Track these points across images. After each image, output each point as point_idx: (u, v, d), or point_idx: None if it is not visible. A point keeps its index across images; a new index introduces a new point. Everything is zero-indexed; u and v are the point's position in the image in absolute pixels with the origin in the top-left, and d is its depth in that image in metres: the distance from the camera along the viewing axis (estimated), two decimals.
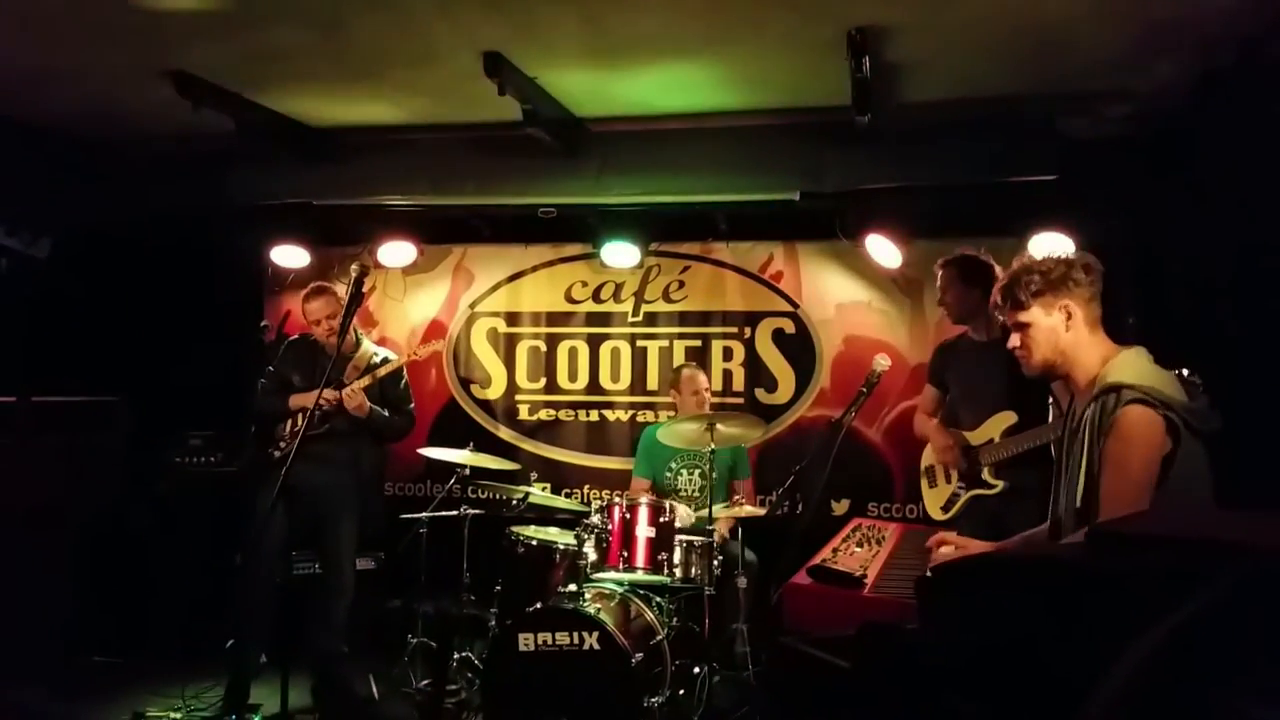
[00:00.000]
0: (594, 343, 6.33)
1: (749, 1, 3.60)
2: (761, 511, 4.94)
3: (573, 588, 4.35)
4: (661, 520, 4.48)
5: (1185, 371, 2.67)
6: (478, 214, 6.16)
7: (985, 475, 4.13)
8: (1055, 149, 4.69)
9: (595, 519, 4.53)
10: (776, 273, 6.08)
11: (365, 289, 4.01)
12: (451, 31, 3.92)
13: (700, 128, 5.03)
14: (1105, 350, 2.62)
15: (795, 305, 6.05)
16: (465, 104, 4.75)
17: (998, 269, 4.17)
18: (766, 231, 6.05)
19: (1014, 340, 2.73)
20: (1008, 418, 4.08)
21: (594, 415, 6.31)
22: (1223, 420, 2.51)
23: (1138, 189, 4.76)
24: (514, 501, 5.10)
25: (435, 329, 6.44)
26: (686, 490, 5.44)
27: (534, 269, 6.41)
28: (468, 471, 5.04)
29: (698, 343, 6.19)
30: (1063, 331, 2.63)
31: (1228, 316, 4.26)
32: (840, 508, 5.76)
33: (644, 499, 4.57)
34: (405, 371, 5.10)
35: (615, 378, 6.30)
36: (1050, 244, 4.75)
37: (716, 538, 4.61)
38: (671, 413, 5.71)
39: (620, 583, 4.52)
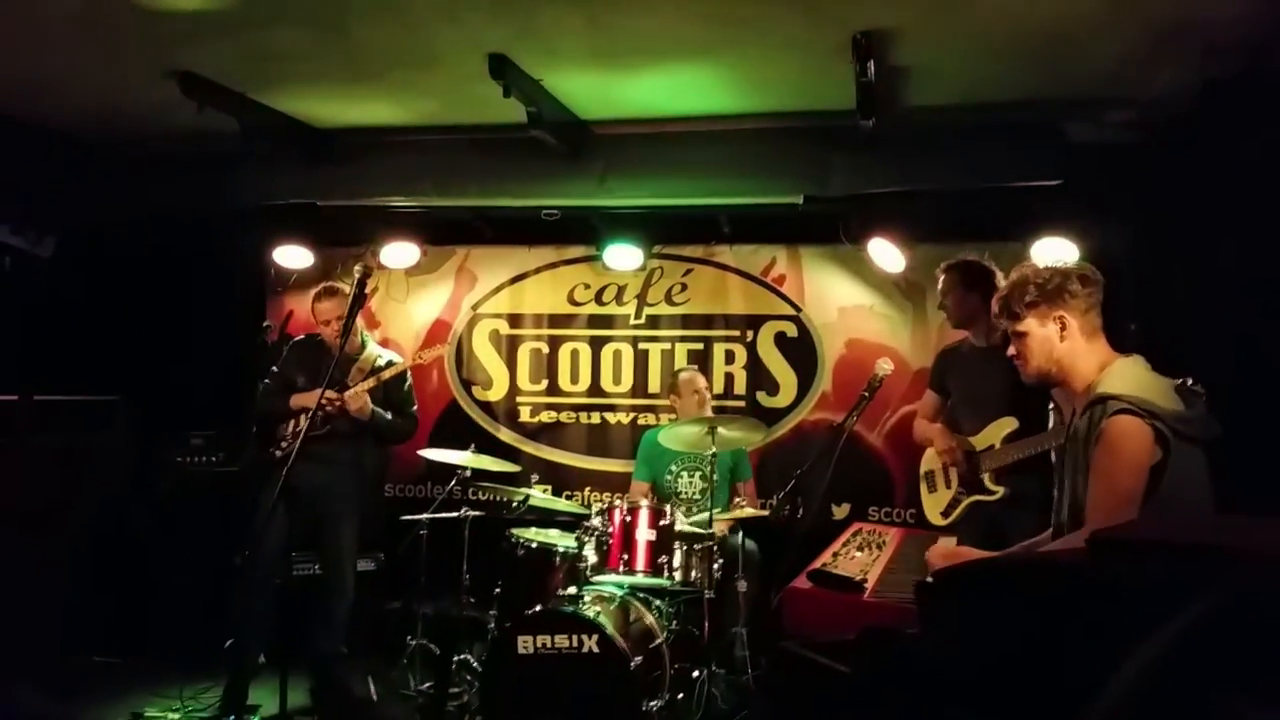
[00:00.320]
0: (596, 345, 6.33)
1: (754, 5, 3.60)
2: (764, 513, 4.94)
3: (572, 590, 4.35)
4: (662, 523, 4.48)
5: (1190, 380, 2.67)
6: (481, 215, 6.16)
7: (985, 481, 4.12)
8: (1059, 154, 4.69)
9: (596, 521, 4.52)
10: (779, 276, 6.08)
11: (368, 290, 4.01)
12: (456, 34, 3.92)
13: (704, 131, 5.03)
14: (1103, 358, 2.63)
15: (798, 309, 6.04)
16: (470, 106, 4.76)
17: (999, 274, 4.17)
18: (769, 235, 6.05)
19: (1011, 348, 2.77)
20: (1009, 423, 4.07)
21: (595, 418, 6.31)
22: (1221, 427, 2.51)
23: (1142, 195, 4.75)
24: (514, 504, 5.09)
25: (438, 330, 6.45)
26: (687, 493, 5.43)
27: (537, 271, 6.41)
28: (468, 473, 5.04)
29: (700, 346, 6.18)
30: (1057, 342, 2.66)
31: (1230, 324, 4.25)
32: (841, 512, 5.76)
33: (644, 502, 4.57)
34: (409, 375, 5.10)
35: (617, 380, 6.30)
36: (1053, 249, 4.76)
37: (718, 534, 4.61)
38: (672, 416, 5.70)
39: (620, 585, 4.52)
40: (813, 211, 5.24)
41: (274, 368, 5.01)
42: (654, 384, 6.23)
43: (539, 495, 5.10)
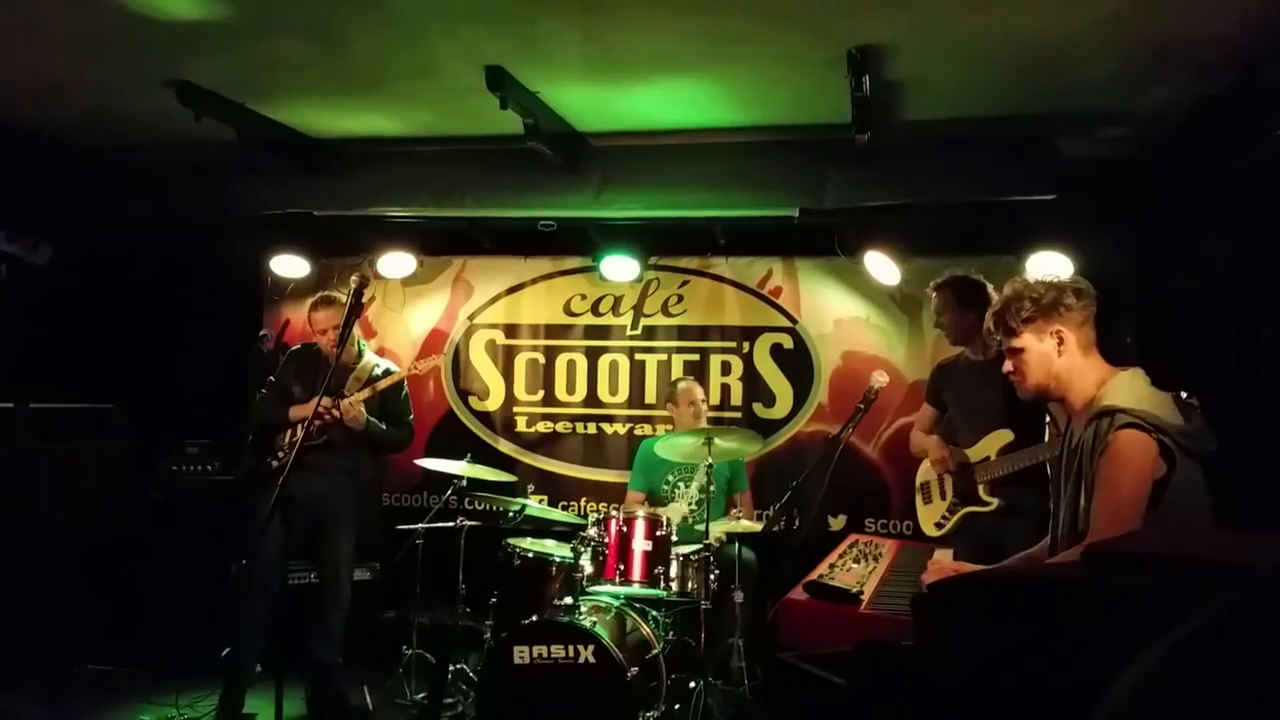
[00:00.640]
0: (592, 356, 6.34)
1: (750, 19, 3.62)
2: (758, 526, 4.94)
3: (569, 600, 4.35)
4: (658, 534, 4.49)
5: (1184, 395, 2.69)
6: (478, 226, 6.17)
7: (980, 493, 4.13)
8: (1054, 169, 4.71)
9: (592, 532, 4.52)
10: (775, 288, 6.10)
11: (365, 300, 4.02)
12: (454, 45, 3.94)
13: (701, 143, 5.05)
14: (1101, 372, 2.64)
15: (794, 321, 6.06)
16: (467, 117, 4.78)
17: (991, 289, 4.19)
18: (766, 247, 6.07)
19: (1008, 365, 2.76)
20: (1004, 436, 4.09)
21: (592, 428, 6.32)
22: (1218, 441, 2.52)
23: (1135, 209, 4.79)
24: (510, 513, 5.10)
25: (434, 340, 6.45)
26: (683, 504, 5.44)
27: (533, 281, 6.43)
28: (465, 483, 5.04)
29: (696, 357, 6.20)
30: (1055, 356, 2.66)
31: (1224, 336, 4.28)
32: (837, 523, 5.76)
33: (641, 512, 4.57)
34: (405, 384, 5.11)
35: (613, 391, 6.31)
36: (1048, 263, 4.78)
37: (714, 542, 4.62)
38: (669, 426, 5.71)
39: (616, 596, 4.52)
40: (808, 224, 5.27)
41: (270, 377, 5.02)
42: (650, 395, 6.24)
43: (535, 505, 5.10)
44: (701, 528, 4.73)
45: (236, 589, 4.64)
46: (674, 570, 4.49)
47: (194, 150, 5.18)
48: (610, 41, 3.88)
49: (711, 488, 4.81)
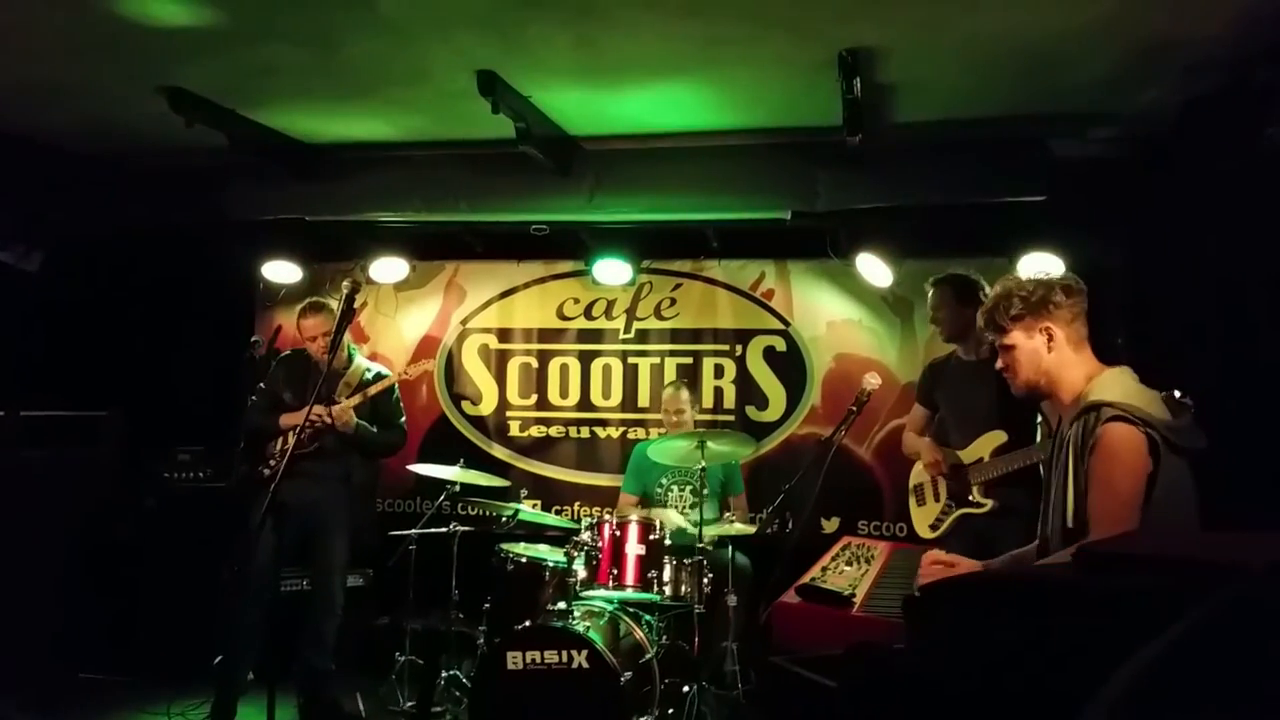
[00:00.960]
0: (585, 360, 6.34)
1: (741, 22, 3.62)
2: (752, 529, 4.94)
3: (562, 605, 4.34)
4: (651, 538, 4.48)
5: (1178, 394, 2.69)
6: (470, 231, 6.17)
7: (974, 494, 4.14)
8: (1045, 170, 4.72)
9: (585, 536, 4.52)
10: (768, 291, 6.11)
11: (357, 305, 4.01)
12: (446, 50, 3.93)
13: (693, 146, 5.05)
14: (1090, 369, 2.64)
15: (786, 323, 6.06)
16: (458, 121, 4.77)
17: (986, 288, 4.20)
18: (758, 250, 6.08)
19: (1000, 362, 2.78)
20: (997, 437, 4.09)
21: (585, 432, 6.31)
22: (1206, 439, 2.53)
23: (1126, 210, 4.80)
24: (503, 518, 5.09)
25: (427, 345, 6.45)
26: (678, 507, 5.44)
27: (526, 286, 6.42)
28: (457, 488, 5.03)
29: (689, 360, 6.20)
30: (1045, 353, 2.67)
31: (1214, 336, 4.28)
32: (830, 526, 5.77)
33: (634, 516, 4.57)
34: (397, 388, 5.10)
35: (606, 395, 6.31)
36: (1040, 264, 4.79)
37: (708, 546, 4.62)
38: (662, 430, 5.71)
39: (610, 600, 4.51)
40: (800, 227, 5.27)
41: (261, 384, 5.00)
42: (643, 398, 6.23)
43: (528, 510, 5.10)
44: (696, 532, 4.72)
45: (229, 596, 4.62)
46: (667, 574, 4.49)
47: (186, 156, 5.17)
48: (602, 45, 3.88)
49: (705, 491, 4.81)
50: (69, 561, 5.37)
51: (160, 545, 5.50)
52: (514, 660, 4.06)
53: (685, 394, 5.55)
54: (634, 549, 4.46)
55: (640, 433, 6.18)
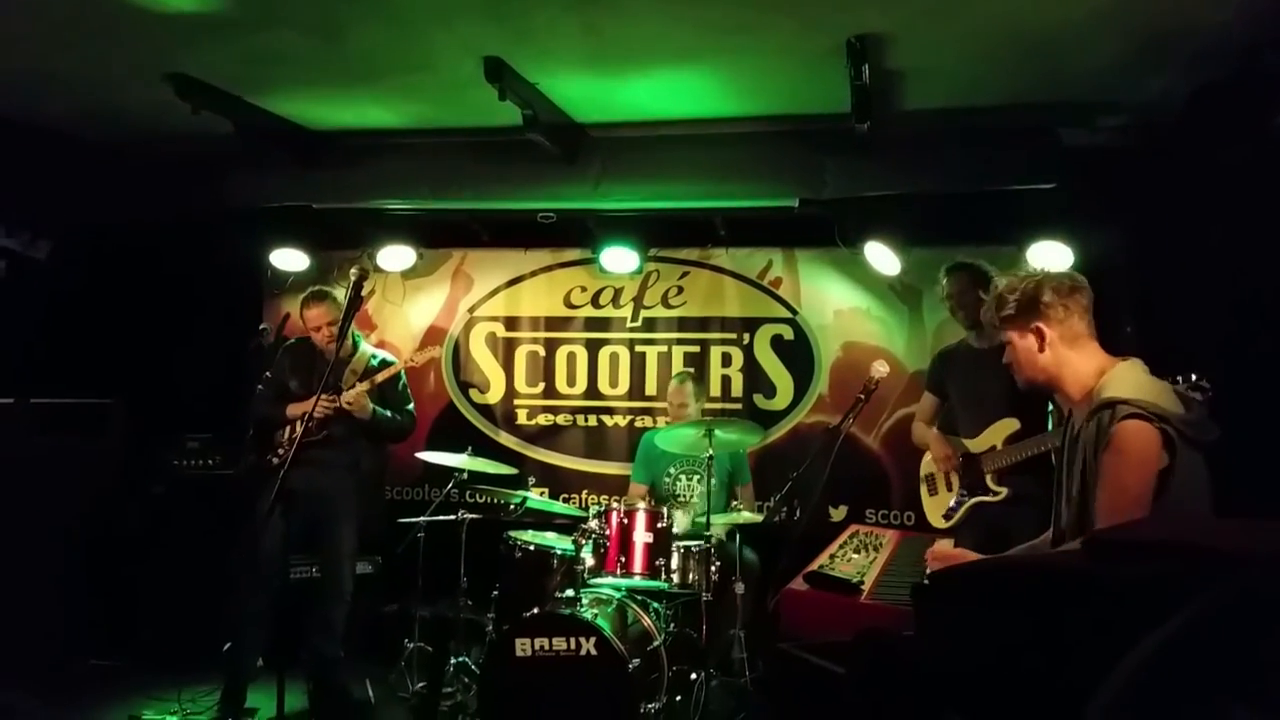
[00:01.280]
0: (593, 348, 6.34)
1: (749, 9, 3.61)
2: (759, 517, 4.95)
3: (570, 593, 4.35)
4: (659, 526, 4.49)
5: (1195, 377, 2.68)
6: (477, 219, 6.17)
7: (988, 482, 4.13)
8: (1054, 158, 4.71)
9: (593, 524, 4.52)
10: (775, 279, 6.10)
11: (364, 293, 4.01)
12: (452, 37, 3.93)
13: (700, 134, 5.04)
14: (1099, 363, 2.63)
15: (794, 311, 6.06)
16: (465, 109, 4.76)
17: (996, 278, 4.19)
18: (766, 238, 6.07)
19: (1006, 356, 2.79)
20: (1010, 425, 4.08)
21: (592, 420, 6.32)
22: (1219, 430, 2.52)
23: (1134, 198, 4.77)
24: (511, 506, 5.10)
25: (434, 333, 6.45)
26: (685, 496, 5.44)
27: (533, 274, 6.42)
28: (465, 476, 5.04)
29: (696, 348, 6.19)
30: (1037, 352, 2.68)
31: (1222, 325, 4.27)
32: (838, 514, 5.77)
33: (641, 504, 4.58)
34: (404, 374, 5.10)
35: (614, 383, 6.31)
36: (1048, 253, 4.78)
37: (715, 539, 4.62)
38: (669, 419, 5.71)
39: (618, 588, 4.52)
40: (808, 215, 5.26)
41: (267, 373, 5.01)
42: (651, 387, 6.23)
43: (536, 498, 5.10)
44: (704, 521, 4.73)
45: (238, 583, 4.64)
46: (675, 562, 4.49)
47: (192, 143, 5.17)
48: (609, 32, 3.86)
49: (713, 481, 4.81)
50: (77, 549, 5.39)
51: (169, 533, 5.51)
52: (522, 647, 4.07)
53: (690, 387, 5.53)
54: (642, 537, 4.46)
55: (647, 421, 6.18)
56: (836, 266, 5.98)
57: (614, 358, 6.32)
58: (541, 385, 6.38)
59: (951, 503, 4.31)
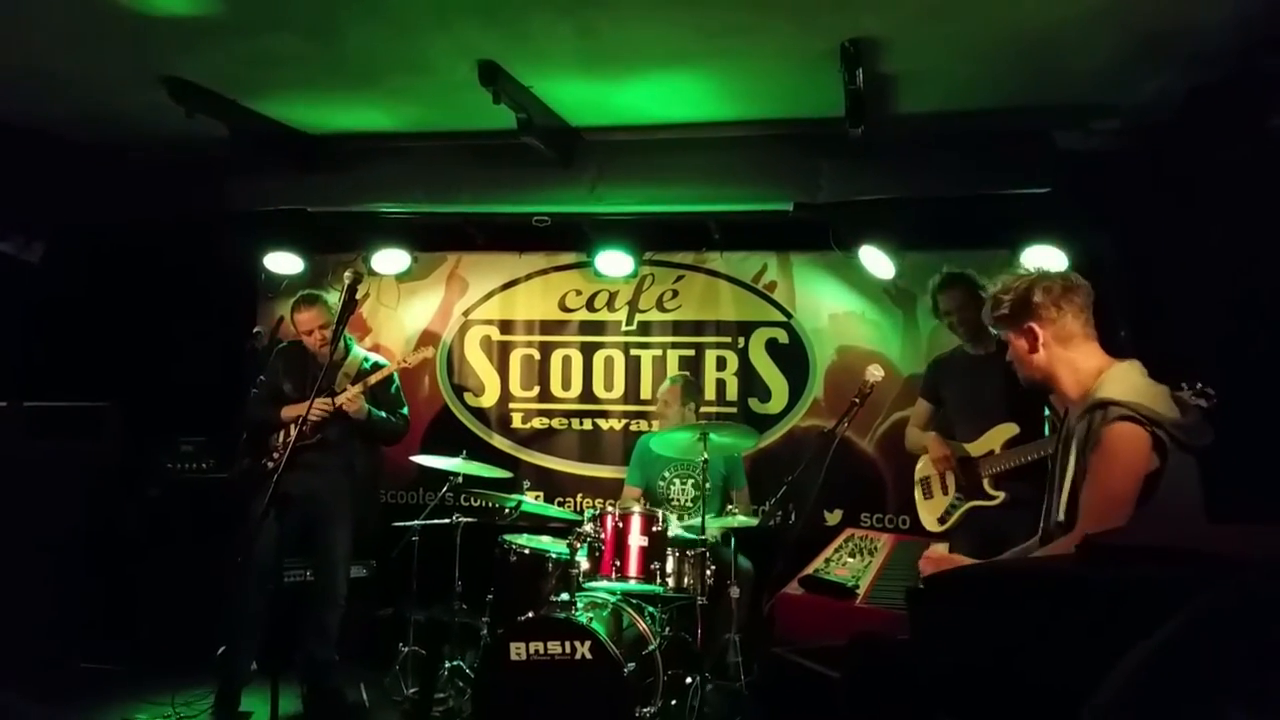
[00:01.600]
0: (587, 351, 6.34)
1: (743, 13, 3.61)
2: (754, 521, 4.94)
3: (565, 597, 4.34)
4: (654, 529, 4.48)
5: (1200, 384, 2.69)
6: (472, 222, 6.16)
7: (985, 487, 4.13)
8: (1048, 161, 4.71)
9: (588, 528, 4.51)
10: (770, 283, 6.10)
11: (359, 296, 4.01)
12: (447, 40, 3.92)
13: (695, 138, 5.04)
14: (1097, 363, 2.64)
15: (789, 315, 6.06)
16: (460, 112, 4.76)
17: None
18: (760, 241, 6.07)
19: (1008, 354, 2.80)
20: (1009, 429, 4.09)
21: (587, 424, 6.31)
22: (1214, 434, 2.52)
23: (1130, 201, 4.78)
24: (506, 510, 5.09)
25: (429, 337, 6.44)
26: (679, 500, 5.44)
27: (528, 277, 6.42)
28: (460, 479, 5.04)
29: (691, 352, 6.19)
30: (1028, 353, 2.69)
31: (1218, 328, 4.27)
32: (833, 518, 5.77)
33: (636, 508, 4.57)
34: (397, 376, 5.10)
35: (609, 387, 6.31)
36: (1043, 256, 4.79)
37: (710, 542, 4.62)
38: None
39: (613, 592, 4.51)
40: (803, 218, 5.26)
41: (261, 377, 5.00)
42: (646, 390, 6.23)
43: (531, 501, 5.09)
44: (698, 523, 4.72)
45: (232, 587, 4.63)
46: (670, 566, 4.49)
47: (187, 147, 5.15)
48: (604, 36, 3.86)
49: (707, 484, 4.81)
50: (72, 552, 5.38)
51: (163, 536, 5.50)
52: (517, 651, 4.06)
53: (678, 389, 5.49)
54: (637, 540, 4.46)
55: (642, 424, 6.18)
56: (831, 270, 5.99)
57: (609, 361, 6.31)
58: (536, 389, 6.38)
59: (948, 506, 4.31)
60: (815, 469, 4.09)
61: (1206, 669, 1.23)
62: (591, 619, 4.15)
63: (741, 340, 6.12)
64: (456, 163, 5.29)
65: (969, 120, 4.68)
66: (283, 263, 6.01)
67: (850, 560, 3.82)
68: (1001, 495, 4.07)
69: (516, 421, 6.38)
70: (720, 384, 6.15)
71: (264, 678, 4.32)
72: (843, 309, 5.99)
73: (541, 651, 4.05)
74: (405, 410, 5.14)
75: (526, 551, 4.64)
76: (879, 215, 5.17)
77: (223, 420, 5.43)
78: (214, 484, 5.61)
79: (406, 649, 4.93)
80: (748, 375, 6.11)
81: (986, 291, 2.86)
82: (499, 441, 6.35)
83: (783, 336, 6.07)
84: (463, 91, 4.30)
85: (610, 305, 6.30)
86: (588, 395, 6.32)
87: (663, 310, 6.24)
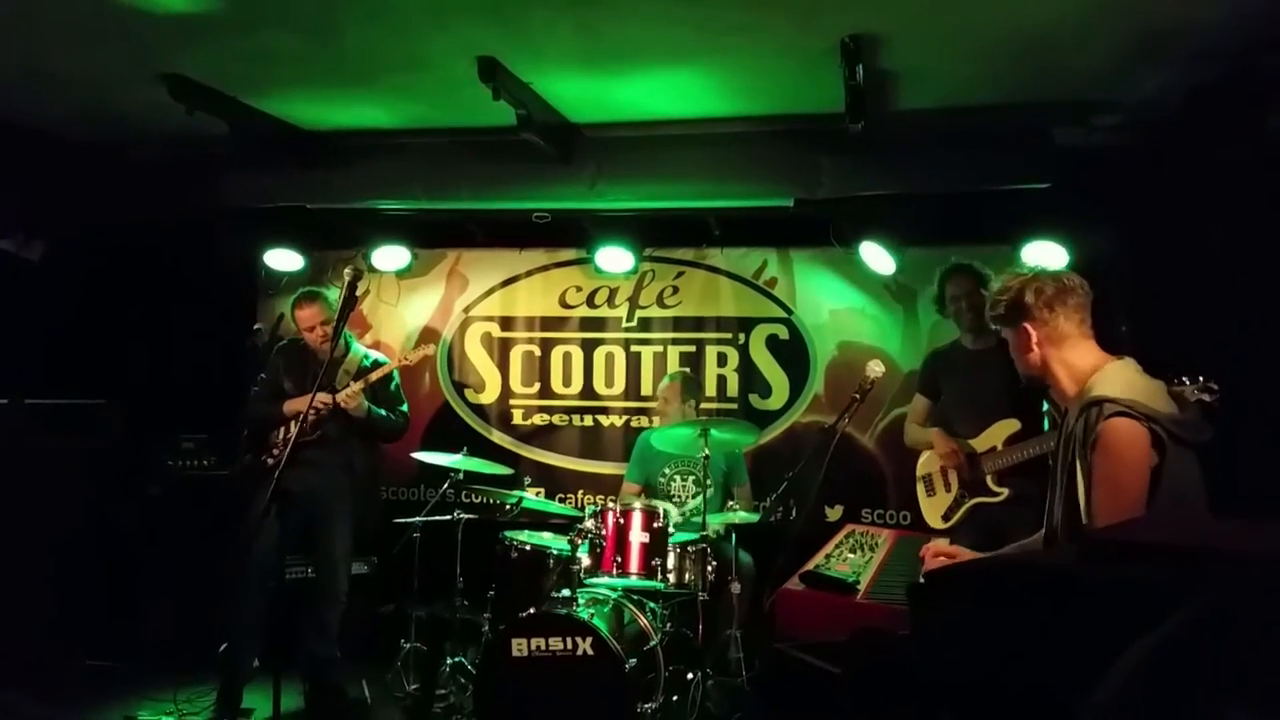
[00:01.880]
0: (588, 348, 6.34)
1: (743, 8, 3.61)
2: (755, 517, 4.95)
3: (566, 593, 4.35)
4: (655, 525, 4.49)
5: (1202, 379, 2.69)
6: (472, 218, 6.17)
7: (989, 483, 4.13)
8: (1048, 158, 4.71)
9: (589, 524, 4.52)
10: (771, 279, 6.10)
11: (359, 293, 4.01)
12: (446, 37, 3.92)
13: (695, 134, 5.03)
14: (1094, 360, 2.64)
15: (789, 311, 6.06)
16: (460, 109, 4.75)
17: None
18: (761, 238, 6.07)
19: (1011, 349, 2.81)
20: (1011, 425, 4.09)
21: (588, 420, 6.32)
22: (1213, 430, 2.52)
23: (1130, 198, 4.78)
24: (507, 506, 5.10)
25: (429, 334, 6.44)
26: (680, 496, 5.44)
27: (528, 274, 6.41)
28: (461, 476, 5.04)
29: (691, 348, 6.19)
30: (1024, 351, 2.70)
31: (1218, 325, 4.27)
32: (834, 513, 5.77)
33: (638, 504, 4.58)
34: (397, 374, 5.10)
35: (609, 383, 6.31)
36: (1043, 253, 4.79)
37: (712, 534, 4.62)
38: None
39: (614, 588, 4.52)
40: (803, 214, 5.26)
41: (261, 374, 5.00)
42: (646, 387, 6.23)
43: (532, 498, 5.10)
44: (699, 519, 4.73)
45: (234, 584, 4.64)
46: (671, 562, 4.49)
47: (187, 144, 5.16)
48: (603, 32, 3.86)
49: (708, 481, 4.82)
50: (73, 549, 5.38)
51: (164, 533, 5.50)
52: (519, 647, 4.07)
53: (679, 386, 5.49)
54: (638, 536, 4.46)
55: (643, 421, 6.18)
56: (832, 266, 5.99)
57: (609, 358, 6.31)
58: (537, 385, 6.38)
59: (951, 502, 4.31)
60: (816, 465, 4.09)
61: (1207, 667, 1.24)
62: (593, 615, 4.16)
63: (742, 336, 6.12)
64: (456, 159, 5.29)
65: (969, 116, 4.68)
66: (283, 260, 6.01)
67: (851, 556, 3.83)
68: (1005, 491, 4.07)
69: (517, 418, 6.38)
70: (721, 380, 6.15)
71: (266, 674, 4.33)
72: (843, 305, 5.98)
73: (543, 647, 4.06)
74: (405, 408, 5.14)
75: (527, 548, 4.65)
76: (879, 211, 5.17)
77: (223, 417, 5.43)
78: (215, 481, 5.61)
79: (408, 645, 4.94)
80: (748, 371, 6.11)
81: (989, 285, 2.88)
82: (499, 438, 6.35)
83: (783, 332, 6.07)
84: (462, 88, 4.30)
85: (611, 301, 6.30)
86: (588, 391, 6.32)
87: (663, 306, 6.24)
